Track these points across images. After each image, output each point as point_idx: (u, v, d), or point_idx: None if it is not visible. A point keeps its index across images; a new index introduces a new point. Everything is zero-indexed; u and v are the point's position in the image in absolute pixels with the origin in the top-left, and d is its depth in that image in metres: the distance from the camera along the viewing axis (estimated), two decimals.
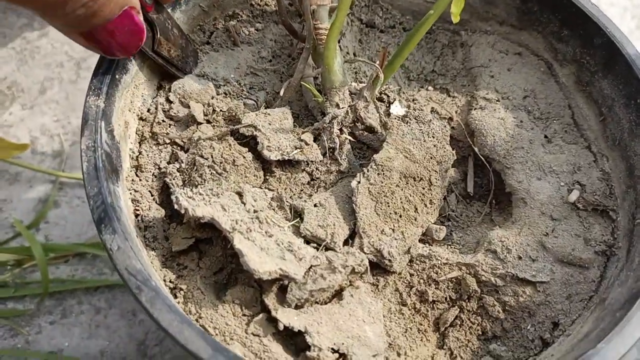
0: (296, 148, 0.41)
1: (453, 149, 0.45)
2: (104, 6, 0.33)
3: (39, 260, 0.58)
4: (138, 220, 0.39)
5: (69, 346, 0.59)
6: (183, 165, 0.41)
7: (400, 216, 0.41)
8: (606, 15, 0.46)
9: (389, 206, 0.41)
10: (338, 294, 0.37)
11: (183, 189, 0.37)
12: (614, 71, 0.46)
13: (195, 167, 0.39)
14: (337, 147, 0.44)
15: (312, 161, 0.43)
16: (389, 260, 0.40)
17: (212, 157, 0.39)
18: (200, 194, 0.36)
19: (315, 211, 0.40)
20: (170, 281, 0.37)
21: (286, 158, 0.41)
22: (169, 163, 0.42)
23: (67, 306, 0.61)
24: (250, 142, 0.42)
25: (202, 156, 0.40)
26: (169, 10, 0.46)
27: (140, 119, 0.44)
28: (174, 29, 0.43)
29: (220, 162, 0.40)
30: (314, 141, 0.44)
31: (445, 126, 0.45)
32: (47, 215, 0.65)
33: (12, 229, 0.64)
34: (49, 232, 0.65)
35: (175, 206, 0.35)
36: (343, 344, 0.34)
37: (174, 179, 0.40)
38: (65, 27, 0.34)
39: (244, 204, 0.37)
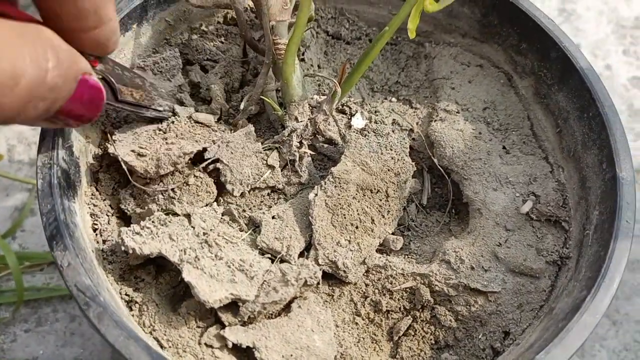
0: (261, 174, 0.42)
1: (414, 161, 0.46)
2: (60, 89, 0.29)
3: (12, 269, 0.59)
4: (97, 235, 0.40)
5: (44, 354, 0.59)
6: (136, 189, 0.41)
7: (357, 227, 0.42)
8: (561, 29, 0.47)
9: (345, 218, 0.42)
10: (287, 306, 0.38)
11: (130, 226, 0.38)
12: (568, 84, 0.47)
13: (146, 193, 0.40)
14: (297, 159, 0.44)
15: (274, 186, 0.43)
16: (344, 271, 0.41)
17: (162, 181, 0.40)
18: (147, 228, 0.37)
19: (273, 223, 0.41)
20: (126, 294, 0.38)
21: (248, 190, 0.42)
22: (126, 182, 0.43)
23: (42, 314, 0.61)
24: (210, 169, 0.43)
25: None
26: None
27: (104, 132, 0.45)
28: (124, 72, 0.41)
29: (172, 186, 0.40)
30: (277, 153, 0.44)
31: (404, 138, 0.46)
32: (24, 223, 0.66)
33: None
34: (25, 240, 0.65)
35: (122, 248, 0.36)
36: (292, 355, 0.35)
37: (128, 205, 0.41)
38: (26, 123, 0.31)
39: (193, 228, 0.38)
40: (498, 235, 0.43)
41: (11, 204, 0.68)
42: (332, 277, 0.41)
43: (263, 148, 0.44)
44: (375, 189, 0.43)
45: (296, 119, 0.45)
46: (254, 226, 0.42)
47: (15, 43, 0.26)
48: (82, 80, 0.31)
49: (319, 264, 0.40)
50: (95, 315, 0.31)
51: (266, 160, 0.43)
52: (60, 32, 0.30)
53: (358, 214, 0.42)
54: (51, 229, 0.34)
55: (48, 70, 0.28)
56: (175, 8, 0.49)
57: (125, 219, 0.42)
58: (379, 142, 0.45)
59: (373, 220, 0.43)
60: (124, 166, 0.40)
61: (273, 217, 0.42)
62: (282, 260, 0.40)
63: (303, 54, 0.52)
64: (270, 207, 0.43)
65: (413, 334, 0.41)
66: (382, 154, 0.44)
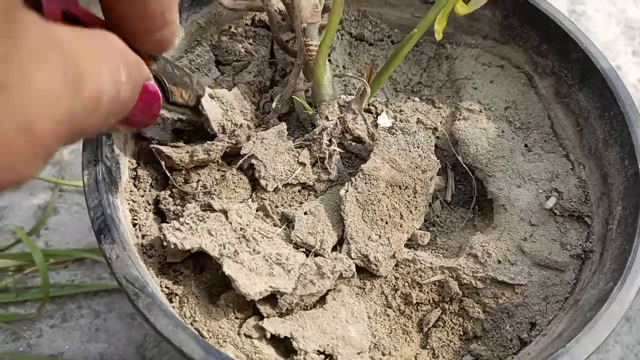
0: (293, 171, 0.44)
1: (438, 158, 0.47)
2: (128, 101, 0.27)
3: (39, 266, 0.60)
4: (136, 230, 0.41)
5: (69, 349, 0.60)
6: (175, 190, 0.43)
7: (387, 223, 0.43)
8: (582, 30, 0.49)
9: (375, 213, 0.43)
10: (322, 298, 0.40)
11: (170, 222, 0.39)
12: (589, 84, 0.48)
13: (185, 192, 0.42)
14: (327, 157, 0.46)
15: (305, 183, 0.45)
16: (375, 265, 0.42)
17: (199, 175, 0.42)
18: (187, 224, 0.38)
19: (305, 219, 0.43)
20: (166, 287, 0.39)
21: (281, 186, 0.43)
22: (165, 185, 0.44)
23: (67, 310, 0.62)
24: (246, 167, 0.44)
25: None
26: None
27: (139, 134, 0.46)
28: (175, 70, 0.37)
29: (211, 183, 0.42)
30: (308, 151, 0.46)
31: (429, 137, 0.47)
32: (47, 221, 0.67)
33: (13, 235, 0.65)
34: (49, 238, 0.66)
35: (164, 243, 0.37)
36: (328, 345, 0.37)
37: (167, 205, 0.42)
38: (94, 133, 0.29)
39: (230, 223, 0.39)
40: (523, 230, 0.45)
41: (35, 203, 0.69)
42: (363, 271, 0.43)
43: (294, 146, 0.45)
44: (403, 185, 0.44)
45: (326, 118, 0.46)
46: (287, 221, 0.43)
47: (95, 60, 0.23)
48: (143, 87, 0.29)
49: (351, 258, 0.41)
50: (144, 305, 0.32)
51: (297, 158, 0.45)
52: (124, 33, 0.28)
53: (387, 209, 0.43)
54: (99, 223, 0.35)
55: (122, 84, 0.26)
56: (207, 11, 0.51)
57: (161, 215, 0.44)
58: (406, 140, 0.46)
59: (402, 215, 0.44)
60: (160, 161, 0.41)
61: (305, 213, 0.43)
62: (315, 254, 0.41)
63: (329, 55, 0.53)
64: (302, 203, 0.45)
65: (442, 325, 0.42)
66: (409, 151, 0.46)
